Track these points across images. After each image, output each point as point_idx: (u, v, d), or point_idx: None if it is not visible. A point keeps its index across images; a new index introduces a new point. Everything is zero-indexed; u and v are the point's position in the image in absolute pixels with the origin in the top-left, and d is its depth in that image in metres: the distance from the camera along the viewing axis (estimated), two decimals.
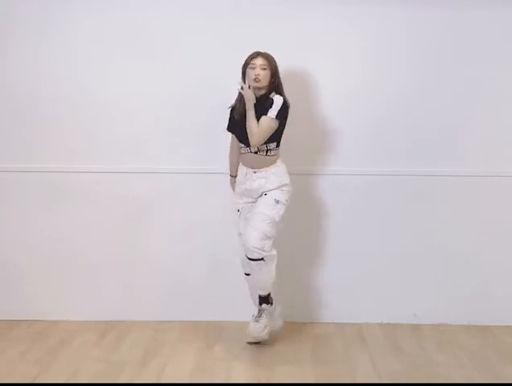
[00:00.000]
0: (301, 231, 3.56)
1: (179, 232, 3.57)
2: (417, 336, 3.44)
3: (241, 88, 3.00)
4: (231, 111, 3.17)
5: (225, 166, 3.33)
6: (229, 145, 3.25)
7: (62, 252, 3.60)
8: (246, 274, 3.16)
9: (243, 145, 3.11)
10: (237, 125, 3.12)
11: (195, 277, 3.60)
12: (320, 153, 3.51)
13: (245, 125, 3.02)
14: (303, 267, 3.60)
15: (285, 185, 3.09)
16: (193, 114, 3.48)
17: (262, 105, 3.01)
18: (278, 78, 3.07)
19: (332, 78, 3.46)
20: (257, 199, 3.11)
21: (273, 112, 3.00)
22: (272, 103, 3.01)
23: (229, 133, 3.22)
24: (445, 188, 3.53)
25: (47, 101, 3.49)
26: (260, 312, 3.19)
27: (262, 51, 3.03)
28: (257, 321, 3.18)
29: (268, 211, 3.03)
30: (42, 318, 3.58)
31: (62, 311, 3.61)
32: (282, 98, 3.03)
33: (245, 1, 3.41)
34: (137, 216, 3.58)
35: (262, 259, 3.01)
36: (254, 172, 3.08)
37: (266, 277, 3.07)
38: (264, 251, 3.00)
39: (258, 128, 2.98)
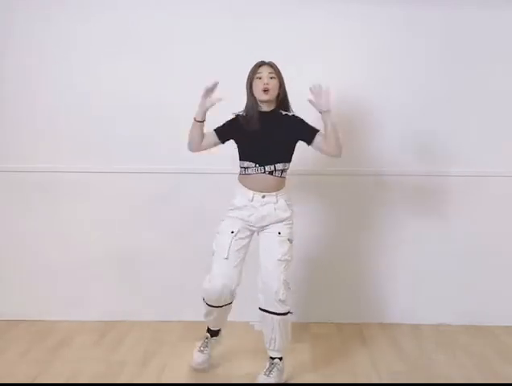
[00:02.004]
0: (300, 232, 3.55)
1: (179, 232, 3.58)
2: (417, 336, 3.44)
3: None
4: (236, 119, 2.84)
5: (225, 166, 3.33)
6: (190, 133, 2.82)
7: (61, 252, 3.60)
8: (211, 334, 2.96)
9: (253, 165, 2.77)
10: (248, 139, 2.79)
11: (195, 276, 3.58)
12: (319, 154, 3.51)
13: (260, 140, 2.76)
14: (303, 267, 3.59)
15: (292, 217, 2.83)
16: (191, 114, 3.47)
17: (281, 123, 2.78)
18: (285, 91, 2.82)
19: (332, 78, 3.45)
20: (258, 229, 2.81)
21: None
22: (302, 121, 2.81)
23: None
24: (446, 188, 3.53)
25: (44, 103, 3.51)
26: (272, 366, 2.83)
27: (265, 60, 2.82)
28: (268, 376, 2.81)
29: (287, 256, 2.75)
30: (42, 318, 3.59)
31: (62, 311, 3.61)
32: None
33: None
34: (137, 216, 3.58)
35: (289, 312, 2.74)
36: (263, 197, 2.78)
37: (285, 335, 2.78)
38: (288, 303, 2.71)
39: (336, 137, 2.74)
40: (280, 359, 2.84)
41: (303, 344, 3.28)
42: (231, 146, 3.29)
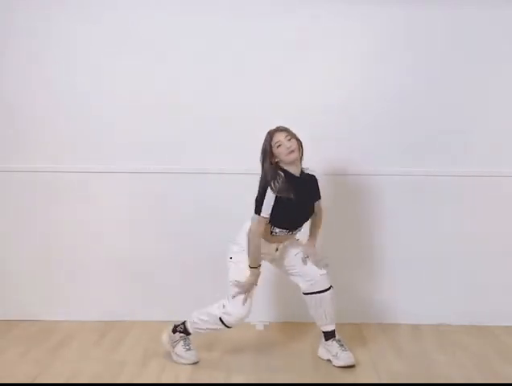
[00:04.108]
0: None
1: (179, 232, 3.58)
2: (417, 336, 3.44)
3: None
4: (274, 192, 2.80)
5: (224, 166, 3.32)
6: (258, 232, 2.84)
7: (62, 252, 3.60)
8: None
9: (285, 231, 2.93)
10: (283, 210, 2.81)
11: (195, 276, 3.60)
12: (320, 154, 3.51)
13: (295, 210, 2.85)
14: None
15: None
16: (191, 114, 3.48)
17: (309, 187, 2.96)
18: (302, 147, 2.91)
19: (332, 78, 3.46)
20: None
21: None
22: (317, 182, 3.04)
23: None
24: (448, 188, 3.53)
25: (44, 103, 3.50)
26: (339, 342, 3.05)
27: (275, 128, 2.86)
28: (345, 350, 3.01)
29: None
30: (42, 318, 3.59)
31: (62, 311, 3.61)
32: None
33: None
34: (137, 216, 3.58)
35: (331, 286, 3.01)
36: (283, 245, 3.04)
37: (333, 306, 3.03)
38: (328, 276, 3.02)
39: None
40: (333, 332, 3.06)
41: (304, 344, 3.28)
42: (231, 146, 3.30)
